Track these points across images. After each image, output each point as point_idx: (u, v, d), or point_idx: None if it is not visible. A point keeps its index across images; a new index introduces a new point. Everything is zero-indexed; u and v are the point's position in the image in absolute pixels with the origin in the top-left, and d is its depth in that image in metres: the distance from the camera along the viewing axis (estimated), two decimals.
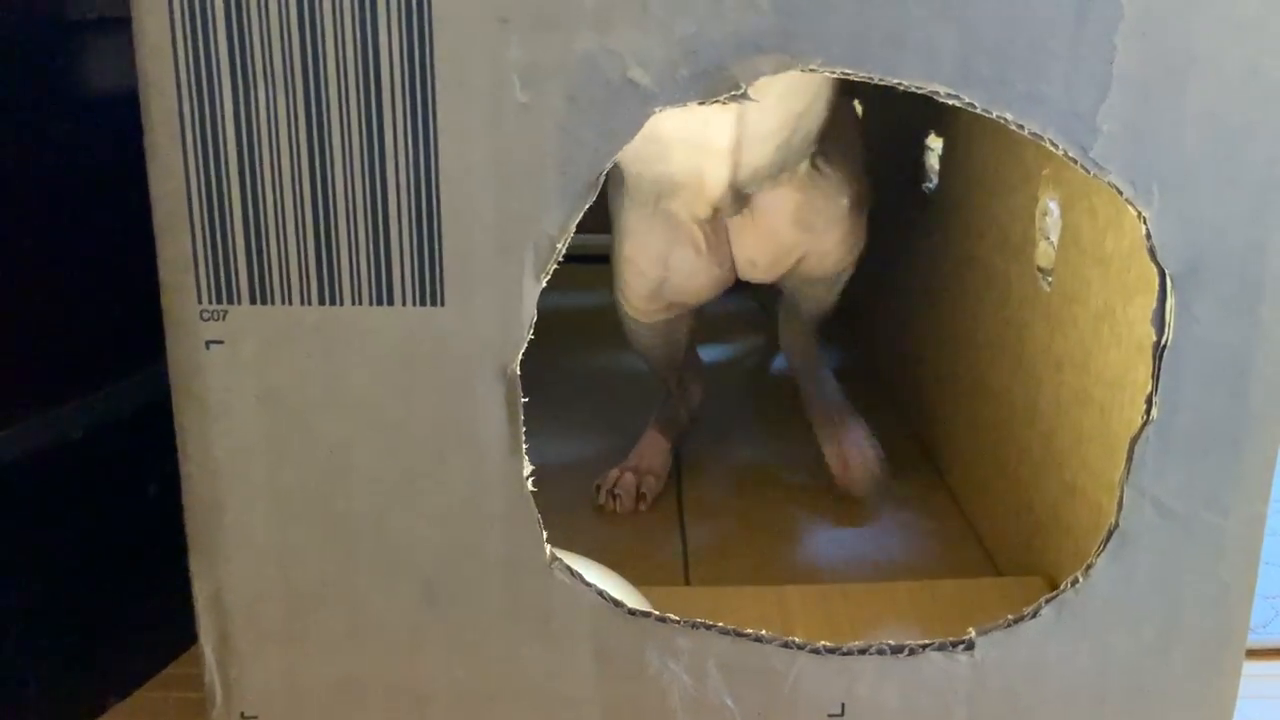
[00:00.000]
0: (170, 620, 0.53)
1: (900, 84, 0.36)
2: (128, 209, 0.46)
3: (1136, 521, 0.40)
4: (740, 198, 0.55)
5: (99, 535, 0.51)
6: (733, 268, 0.59)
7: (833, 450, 0.65)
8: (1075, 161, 0.37)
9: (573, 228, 0.38)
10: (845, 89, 0.56)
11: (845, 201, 0.58)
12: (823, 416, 0.66)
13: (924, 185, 0.71)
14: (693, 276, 0.59)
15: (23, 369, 0.47)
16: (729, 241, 0.58)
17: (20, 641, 0.47)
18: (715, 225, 0.57)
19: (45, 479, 0.48)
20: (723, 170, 0.52)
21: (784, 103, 0.50)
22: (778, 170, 0.55)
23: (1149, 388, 0.40)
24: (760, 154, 0.52)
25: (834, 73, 0.36)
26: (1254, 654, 0.57)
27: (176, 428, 0.40)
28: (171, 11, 0.36)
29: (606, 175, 0.38)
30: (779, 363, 0.82)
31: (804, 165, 0.56)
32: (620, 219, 0.58)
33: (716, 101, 0.37)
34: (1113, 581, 0.41)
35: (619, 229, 0.59)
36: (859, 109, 0.71)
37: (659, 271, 0.58)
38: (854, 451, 0.64)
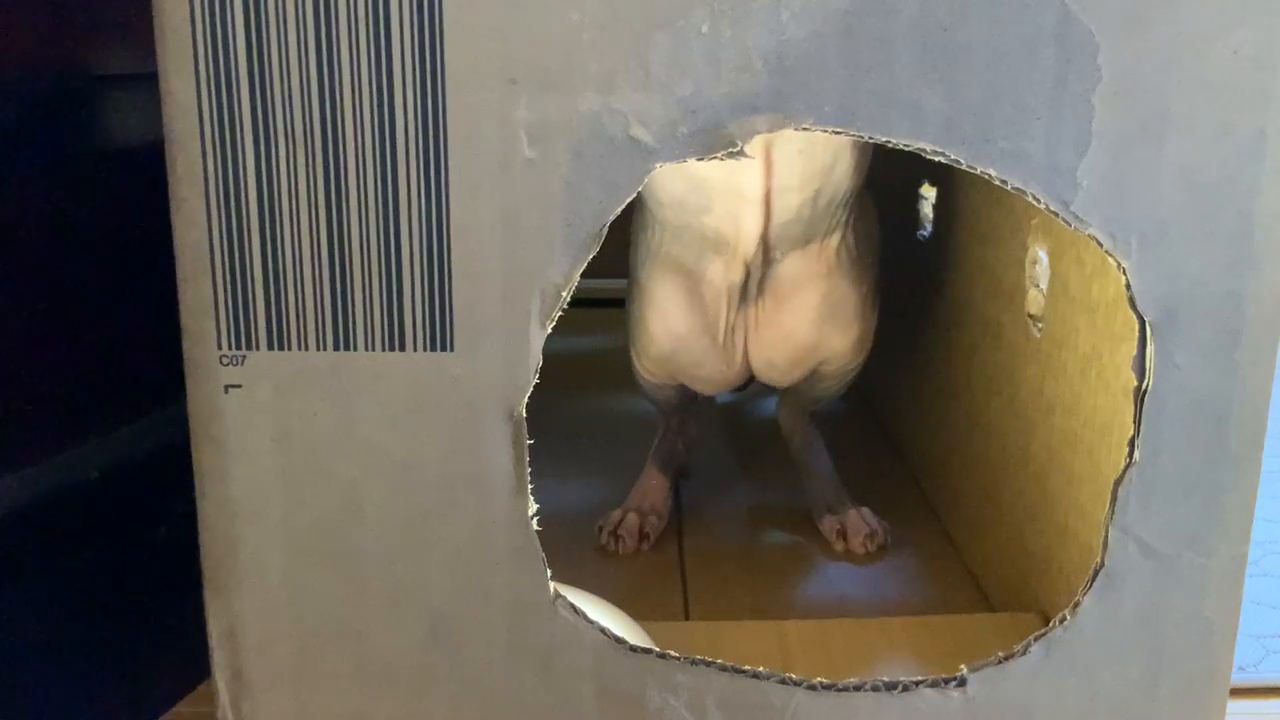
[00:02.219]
0: (179, 660, 0.54)
1: (889, 141, 0.38)
2: (145, 256, 0.48)
3: (1121, 561, 0.41)
4: (770, 260, 0.57)
5: (110, 575, 0.52)
6: (742, 371, 0.61)
7: (830, 523, 0.65)
8: (1057, 215, 0.39)
9: (577, 277, 0.40)
10: (866, 162, 0.57)
11: (865, 289, 0.60)
12: (820, 498, 0.67)
13: (919, 233, 0.73)
14: (700, 365, 0.60)
15: (40, 411, 0.48)
16: (745, 345, 0.60)
17: (31, 678, 0.48)
18: (736, 320, 0.59)
19: (62, 519, 0.49)
20: (756, 221, 0.54)
21: (806, 156, 0.52)
22: (810, 230, 0.56)
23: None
24: (789, 206, 0.54)
25: (826, 131, 0.38)
26: (1245, 693, 0.57)
27: (195, 468, 0.41)
28: (197, 71, 0.38)
29: (631, 231, 0.39)
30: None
31: (835, 238, 0.58)
32: (646, 282, 0.59)
33: (715, 158, 0.38)
34: (1099, 620, 0.42)
35: (643, 290, 0.60)
36: None
37: (671, 345, 0.60)
38: (852, 519, 0.65)
